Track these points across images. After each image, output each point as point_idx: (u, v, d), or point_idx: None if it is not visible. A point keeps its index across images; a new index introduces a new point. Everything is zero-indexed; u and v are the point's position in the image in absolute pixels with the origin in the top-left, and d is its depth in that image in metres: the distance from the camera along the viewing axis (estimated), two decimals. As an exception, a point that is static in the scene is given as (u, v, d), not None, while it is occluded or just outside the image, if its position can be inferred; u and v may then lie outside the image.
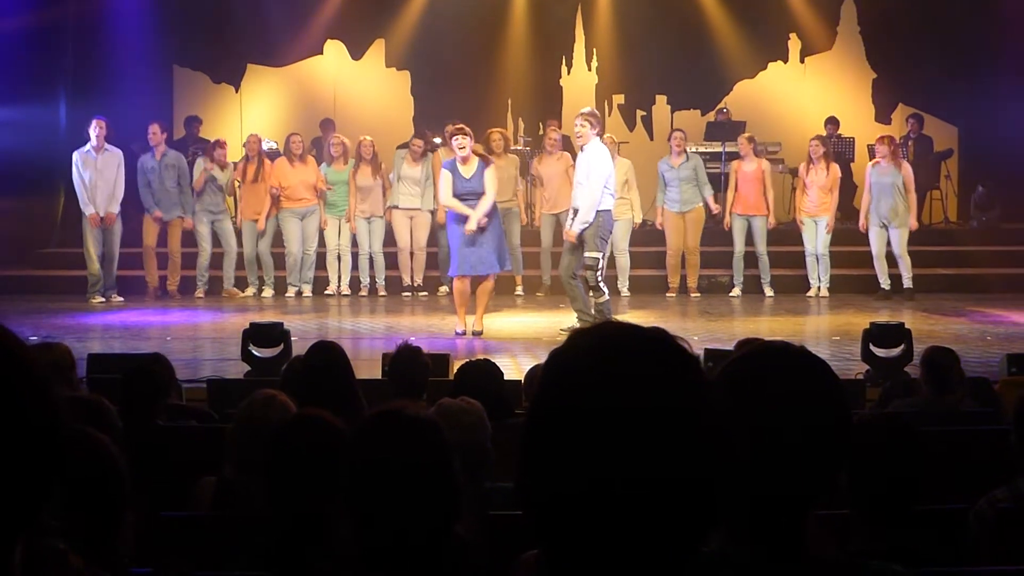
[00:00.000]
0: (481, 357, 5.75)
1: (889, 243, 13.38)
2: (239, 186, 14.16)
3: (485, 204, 10.58)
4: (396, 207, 14.01)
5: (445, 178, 10.66)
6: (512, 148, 14.59)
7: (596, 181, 10.22)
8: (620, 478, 1.29)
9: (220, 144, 14.10)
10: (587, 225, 10.29)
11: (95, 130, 13.30)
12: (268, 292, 14.11)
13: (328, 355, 4.97)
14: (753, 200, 13.89)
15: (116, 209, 13.44)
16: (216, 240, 14.03)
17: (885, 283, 13.49)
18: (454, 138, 10.58)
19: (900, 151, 13.44)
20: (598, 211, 10.32)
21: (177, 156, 14.02)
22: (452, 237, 10.69)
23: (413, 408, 2.53)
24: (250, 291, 14.10)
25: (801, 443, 1.70)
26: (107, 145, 13.42)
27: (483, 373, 5.32)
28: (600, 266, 10.48)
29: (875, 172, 13.41)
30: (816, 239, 13.75)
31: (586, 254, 10.42)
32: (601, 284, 10.53)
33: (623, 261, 13.93)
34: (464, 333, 10.79)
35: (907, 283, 13.40)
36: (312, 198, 13.96)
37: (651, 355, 1.35)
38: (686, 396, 1.33)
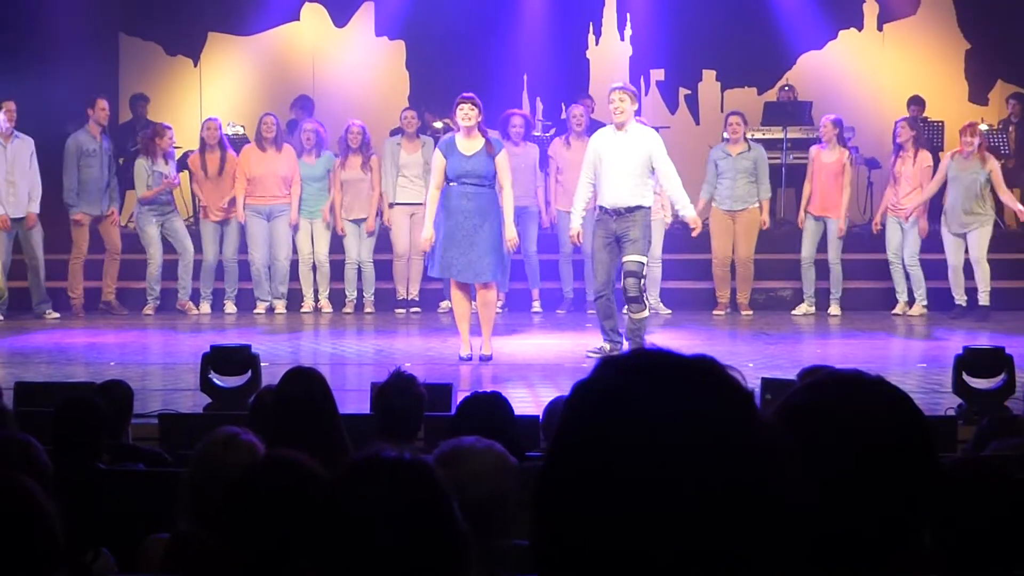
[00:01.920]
0: (488, 389, 5.74)
1: (967, 249, 13.36)
2: (192, 181, 14.16)
3: (510, 202, 10.63)
4: (393, 204, 14.00)
5: (437, 161, 10.55)
6: (533, 135, 14.60)
7: (670, 166, 10.59)
8: (654, 535, 1.29)
9: (158, 132, 14.06)
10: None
11: (6, 113, 13.34)
12: (231, 307, 14.15)
13: (305, 385, 4.98)
14: (831, 198, 13.84)
15: (36, 209, 13.52)
16: (167, 244, 14.05)
17: (960, 298, 13.47)
18: (459, 107, 10.49)
19: (984, 141, 13.44)
20: (647, 207, 10.57)
21: (110, 141, 14.11)
22: (436, 230, 10.52)
23: (397, 449, 2.53)
24: (206, 306, 14.14)
25: (875, 492, 1.70)
26: (16, 132, 13.48)
27: (488, 409, 5.30)
28: (645, 273, 10.52)
29: (954, 164, 13.38)
30: (903, 244, 13.70)
31: (632, 256, 10.41)
32: (645, 296, 10.56)
33: (654, 272, 13.86)
34: (470, 358, 10.78)
35: (982, 298, 13.34)
36: (283, 195, 13.98)
37: (695, 390, 1.35)
38: (737, 439, 1.33)
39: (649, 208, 10.61)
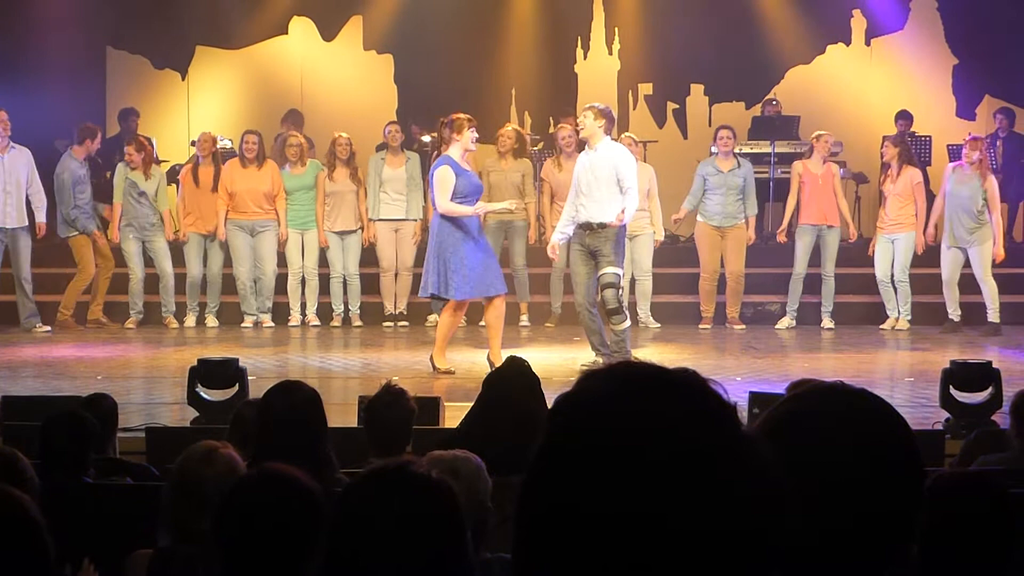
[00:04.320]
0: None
1: (967, 265, 13.38)
2: (179, 193, 14.15)
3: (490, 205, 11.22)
4: (376, 219, 14.04)
5: (447, 178, 10.43)
6: (529, 150, 14.61)
7: (634, 185, 10.55)
8: (638, 547, 1.29)
9: (133, 144, 14.03)
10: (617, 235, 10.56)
11: None
12: (212, 321, 14.15)
13: (287, 399, 4.96)
14: (830, 206, 13.91)
15: (43, 218, 13.53)
16: (148, 261, 14.02)
17: (954, 313, 13.50)
18: (472, 129, 10.55)
19: (989, 159, 13.44)
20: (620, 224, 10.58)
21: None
22: (456, 251, 10.47)
23: (420, 465, 2.51)
24: (190, 320, 14.11)
25: (860, 505, 1.70)
26: (12, 143, 13.47)
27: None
28: (621, 284, 10.57)
29: (954, 178, 13.42)
30: (890, 261, 13.74)
31: (606, 270, 10.47)
32: (623, 307, 10.59)
33: (645, 286, 13.92)
34: (452, 372, 10.77)
35: (991, 315, 13.37)
36: (267, 210, 13.97)
37: (677, 402, 1.35)
38: (719, 450, 1.33)
39: (622, 225, 10.59)
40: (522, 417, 5.11)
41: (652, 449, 1.31)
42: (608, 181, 10.50)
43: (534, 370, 5.88)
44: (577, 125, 10.89)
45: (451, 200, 10.43)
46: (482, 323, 11.24)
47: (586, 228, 10.60)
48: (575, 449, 1.34)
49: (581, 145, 13.83)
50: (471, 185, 10.55)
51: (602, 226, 10.52)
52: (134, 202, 13.86)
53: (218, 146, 14.94)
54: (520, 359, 6.03)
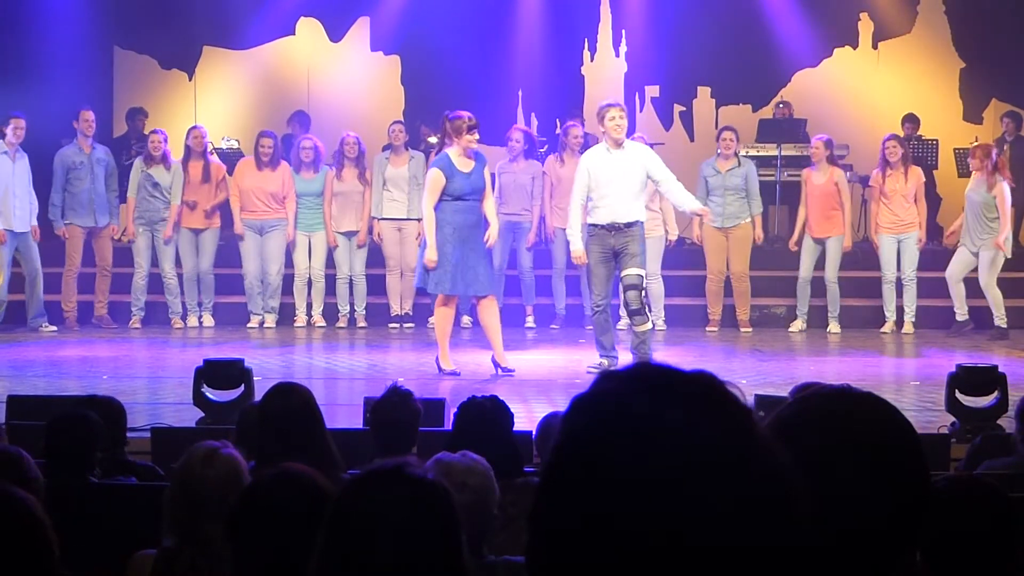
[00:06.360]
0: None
1: (976, 269, 13.40)
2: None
3: (494, 212, 10.86)
4: (379, 218, 14.04)
5: (436, 181, 10.41)
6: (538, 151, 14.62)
7: (670, 172, 10.77)
8: (653, 550, 1.29)
9: (151, 136, 14.11)
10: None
11: (14, 129, 13.35)
12: (208, 320, 14.19)
13: (284, 401, 4.96)
14: (824, 221, 13.87)
15: (35, 222, 13.57)
16: (154, 258, 14.05)
17: (961, 313, 13.51)
18: (472, 131, 10.50)
19: (990, 164, 13.39)
20: (643, 222, 10.69)
21: (105, 151, 14.15)
22: (442, 246, 10.42)
23: (416, 467, 2.52)
24: (193, 319, 14.16)
25: (865, 509, 1.70)
26: (19, 148, 13.52)
27: (488, 418, 5.26)
28: (645, 285, 10.59)
29: (971, 183, 13.51)
30: (897, 261, 13.73)
31: (631, 270, 10.48)
32: (645, 309, 10.61)
33: (656, 288, 13.90)
34: (457, 373, 10.76)
35: (998, 322, 13.39)
36: (275, 209, 13.99)
37: (695, 405, 1.35)
38: (737, 454, 1.33)
39: (643, 222, 10.68)
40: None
41: (668, 452, 1.31)
42: (641, 181, 10.63)
43: (540, 372, 5.81)
44: (599, 126, 10.85)
45: (450, 200, 10.41)
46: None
47: (611, 229, 10.57)
48: (590, 451, 1.34)
49: (587, 144, 13.90)
50: (468, 186, 10.44)
51: (629, 225, 10.56)
52: (147, 196, 13.89)
53: (223, 146, 14.94)
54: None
